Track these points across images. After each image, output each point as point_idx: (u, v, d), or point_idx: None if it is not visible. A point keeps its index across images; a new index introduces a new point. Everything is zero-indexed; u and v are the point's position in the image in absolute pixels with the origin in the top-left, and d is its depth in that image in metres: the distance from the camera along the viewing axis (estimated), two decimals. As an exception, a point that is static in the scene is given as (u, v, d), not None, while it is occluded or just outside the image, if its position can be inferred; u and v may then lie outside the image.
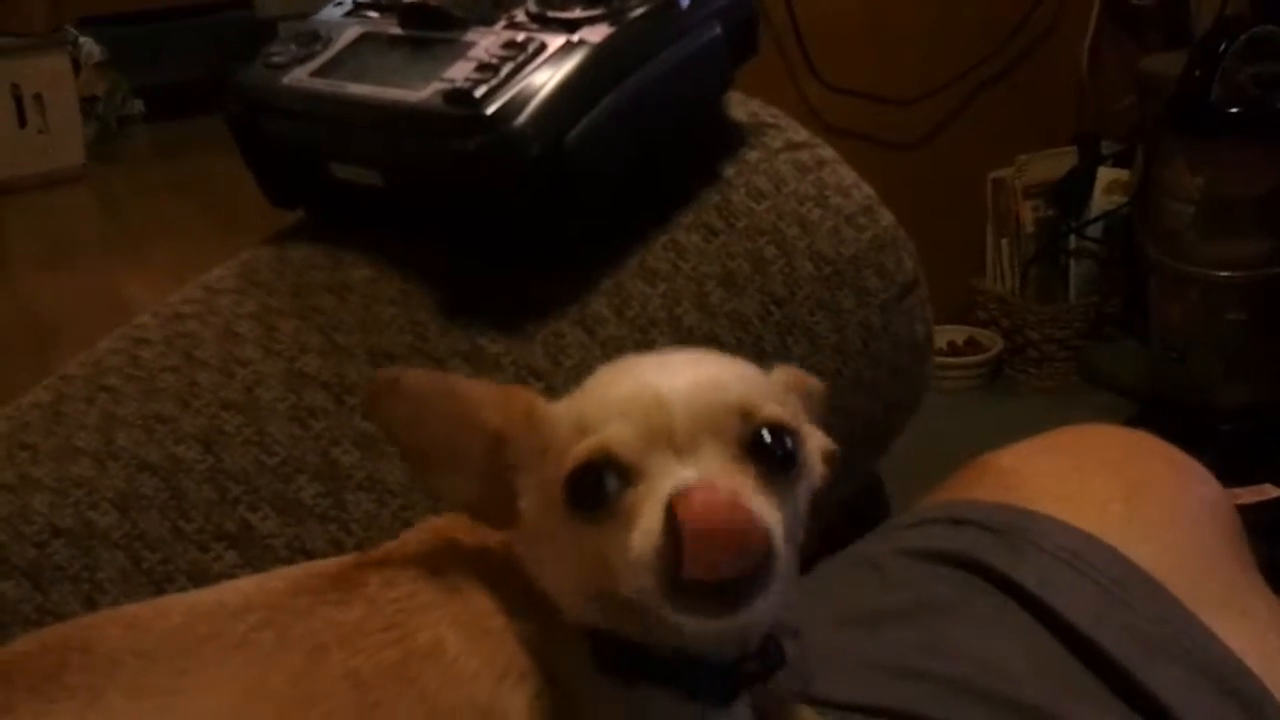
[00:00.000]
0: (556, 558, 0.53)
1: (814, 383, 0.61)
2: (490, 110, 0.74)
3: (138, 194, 3.70)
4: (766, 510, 0.48)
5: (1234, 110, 2.02)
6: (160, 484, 0.71)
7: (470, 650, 0.54)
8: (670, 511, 0.47)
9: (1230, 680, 0.72)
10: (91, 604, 0.68)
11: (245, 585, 0.59)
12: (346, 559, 0.60)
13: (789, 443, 0.51)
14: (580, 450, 0.50)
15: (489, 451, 0.55)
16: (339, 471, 0.73)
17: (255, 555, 0.70)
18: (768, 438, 0.51)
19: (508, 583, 0.55)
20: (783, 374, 0.58)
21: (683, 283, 0.82)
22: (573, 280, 0.81)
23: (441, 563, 0.57)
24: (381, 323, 0.78)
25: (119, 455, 0.72)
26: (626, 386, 0.52)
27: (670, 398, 0.50)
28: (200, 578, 0.69)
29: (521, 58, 0.75)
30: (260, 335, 0.78)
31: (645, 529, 0.48)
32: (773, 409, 0.52)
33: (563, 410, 0.54)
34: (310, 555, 0.70)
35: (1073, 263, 2.56)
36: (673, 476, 0.49)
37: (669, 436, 0.50)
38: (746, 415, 0.51)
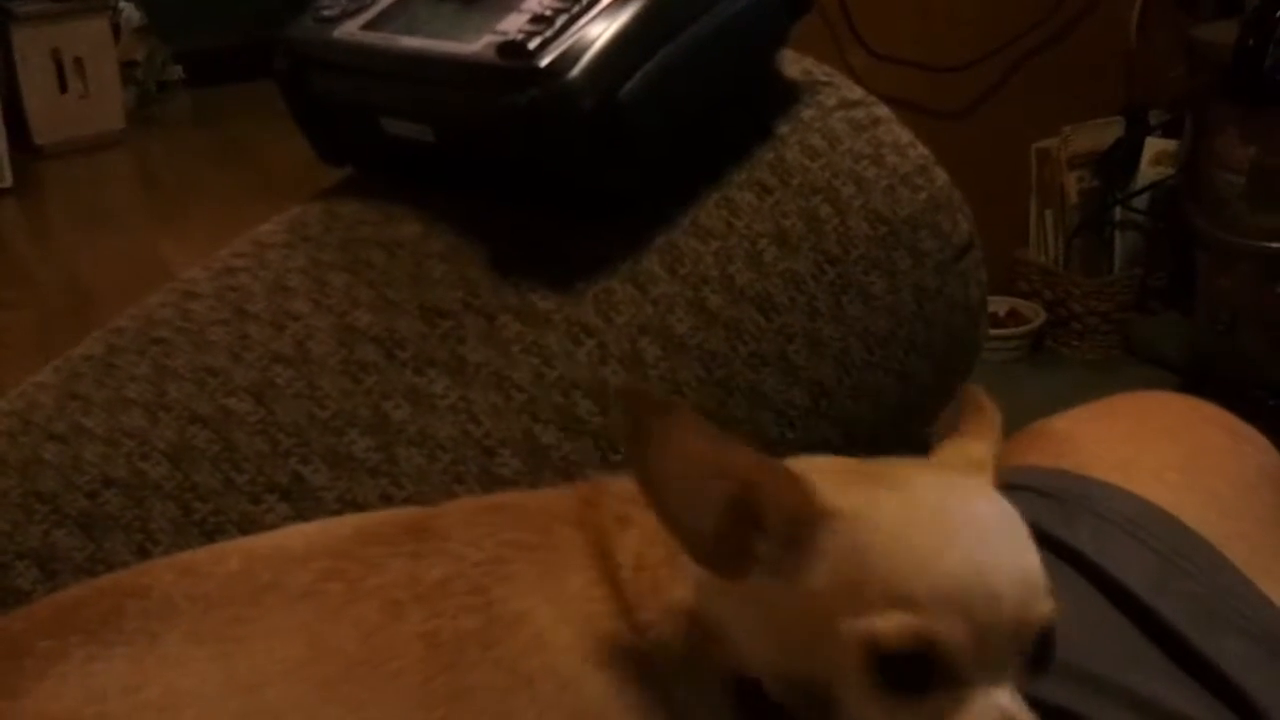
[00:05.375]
0: (768, 635, 0.52)
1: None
2: (544, 63, 0.73)
3: (177, 158, 3.72)
4: None
5: (1289, 79, 1.98)
6: (212, 436, 0.71)
7: (561, 625, 0.53)
8: None
9: (1291, 649, 0.71)
10: (143, 554, 0.68)
11: (308, 529, 0.58)
12: (412, 511, 0.59)
13: (1050, 644, 0.52)
14: (904, 632, 0.49)
15: (734, 503, 0.52)
16: (390, 426, 0.72)
17: (307, 508, 0.70)
18: (1043, 641, 0.52)
19: (613, 583, 0.54)
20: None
21: (735, 241, 0.81)
22: (624, 236, 0.80)
23: (543, 542, 0.55)
24: (432, 278, 0.78)
25: (171, 407, 0.72)
26: (958, 567, 0.50)
27: (1004, 605, 0.50)
28: (251, 529, 0.68)
29: (575, 9, 0.74)
30: (311, 290, 0.77)
31: None
32: (1051, 608, 0.52)
33: (863, 538, 0.50)
34: (361, 508, 0.70)
35: (1118, 234, 2.52)
36: (985, 697, 0.49)
37: (993, 646, 0.49)
38: (1044, 630, 0.52)
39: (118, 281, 2.74)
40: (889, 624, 0.48)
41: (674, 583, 0.54)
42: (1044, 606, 0.51)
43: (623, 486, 0.58)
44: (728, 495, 0.51)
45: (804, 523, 0.51)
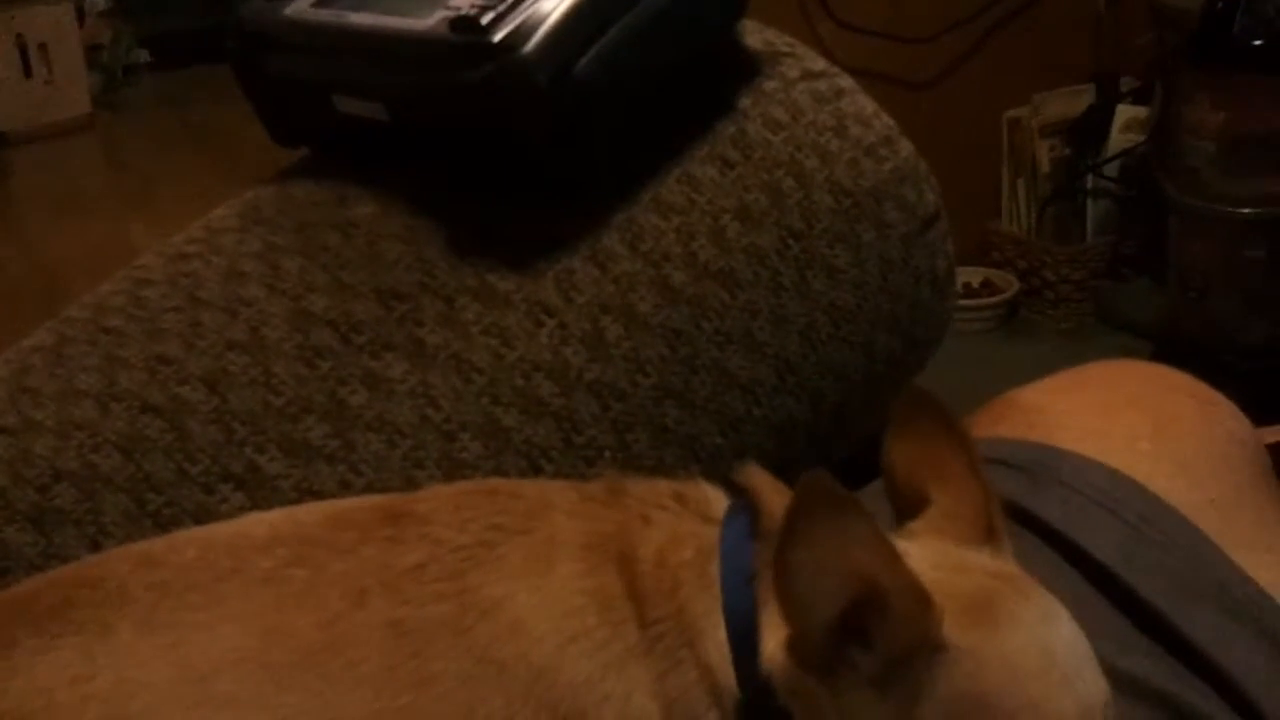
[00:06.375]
0: None
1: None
2: (497, 38, 0.71)
3: (144, 143, 3.67)
4: None
5: (1258, 43, 1.98)
6: (164, 425, 0.70)
7: (540, 614, 0.51)
8: None
9: (1263, 619, 0.71)
10: (96, 547, 0.66)
11: (273, 517, 0.57)
12: (391, 496, 0.58)
13: None
14: None
15: (854, 606, 0.50)
16: (347, 412, 0.71)
17: (263, 497, 0.68)
18: None
19: (613, 579, 0.53)
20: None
21: (698, 216, 0.80)
22: (584, 215, 0.79)
23: (534, 529, 0.54)
24: (388, 260, 0.76)
25: (122, 397, 0.71)
26: (1066, 712, 0.52)
27: None
28: (206, 520, 0.67)
29: (529, -18, 0.73)
30: (265, 274, 0.76)
31: None
32: None
33: (979, 684, 0.50)
34: (319, 497, 0.68)
35: (1090, 202, 2.52)
36: None
37: None
38: None
39: (85, 267, 2.69)
40: None
41: (692, 586, 0.53)
42: None
43: (643, 489, 0.58)
44: (851, 594, 0.49)
45: (920, 651, 0.50)
